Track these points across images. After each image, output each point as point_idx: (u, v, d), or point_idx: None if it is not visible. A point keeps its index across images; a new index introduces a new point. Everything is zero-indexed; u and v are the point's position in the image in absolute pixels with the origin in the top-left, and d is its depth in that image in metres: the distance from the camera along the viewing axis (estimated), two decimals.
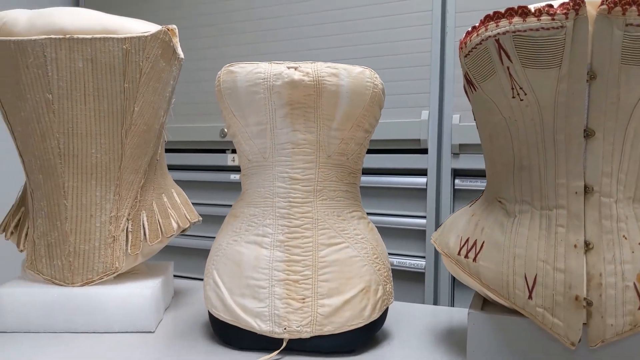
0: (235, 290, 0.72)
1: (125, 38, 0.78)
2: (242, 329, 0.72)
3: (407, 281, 1.57)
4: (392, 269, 1.55)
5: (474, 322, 0.68)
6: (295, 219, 0.72)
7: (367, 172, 1.61)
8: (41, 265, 0.83)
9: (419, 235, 1.56)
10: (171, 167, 1.85)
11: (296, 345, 0.71)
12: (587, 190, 0.60)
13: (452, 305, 1.51)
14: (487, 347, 0.67)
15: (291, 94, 0.71)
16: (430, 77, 1.52)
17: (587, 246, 0.59)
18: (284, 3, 1.73)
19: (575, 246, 0.60)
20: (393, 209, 1.60)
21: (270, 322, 0.70)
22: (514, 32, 0.58)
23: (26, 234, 0.86)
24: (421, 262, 1.53)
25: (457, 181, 1.51)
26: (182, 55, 0.88)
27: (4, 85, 0.79)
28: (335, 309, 0.70)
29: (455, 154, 1.50)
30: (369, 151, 1.59)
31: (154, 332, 0.82)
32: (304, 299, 0.70)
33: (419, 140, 1.53)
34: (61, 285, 0.82)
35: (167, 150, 1.86)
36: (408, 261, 1.54)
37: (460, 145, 1.48)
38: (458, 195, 1.52)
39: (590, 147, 0.60)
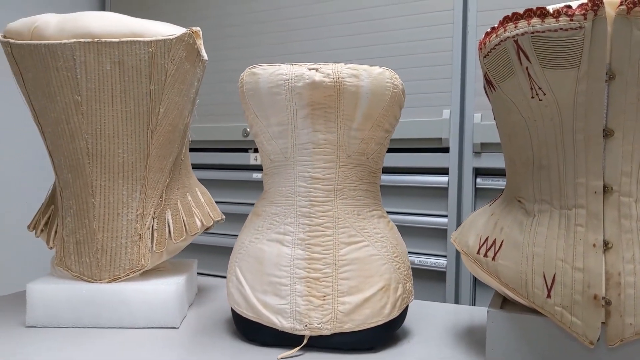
0: (257, 287, 0.74)
1: (151, 41, 0.80)
2: (264, 325, 0.73)
3: (428, 280, 1.57)
4: (413, 268, 1.56)
5: (493, 321, 0.68)
6: (316, 217, 0.74)
7: (388, 170, 1.61)
8: (70, 262, 0.85)
9: (441, 234, 1.56)
10: (195, 166, 1.87)
11: (317, 342, 0.73)
12: (606, 189, 0.60)
13: (474, 304, 1.51)
14: (506, 346, 0.67)
15: (312, 95, 0.72)
16: (452, 76, 1.52)
17: (606, 245, 0.60)
18: (306, 3, 1.74)
19: (594, 245, 0.60)
20: (414, 207, 1.60)
21: (292, 319, 0.72)
22: (533, 33, 0.59)
23: (55, 232, 0.88)
24: (442, 261, 1.53)
25: (478, 180, 1.51)
26: (206, 57, 0.90)
27: (35, 88, 0.82)
28: (355, 307, 0.71)
29: (476, 153, 1.49)
30: (391, 150, 1.60)
31: (178, 327, 0.84)
32: (324, 296, 0.71)
33: (440, 139, 1.53)
34: (89, 281, 0.84)
35: (192, 150, 1.89)
36: (429, 260, 1.55)
37: (482, 144, 1.47)
38: (480, 194, 1.52)
39: (609, 147, 0.60)
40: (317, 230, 0.73)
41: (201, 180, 1.05)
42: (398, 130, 1.55)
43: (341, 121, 0.74)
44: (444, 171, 1.55)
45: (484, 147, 1.48)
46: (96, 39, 0.78)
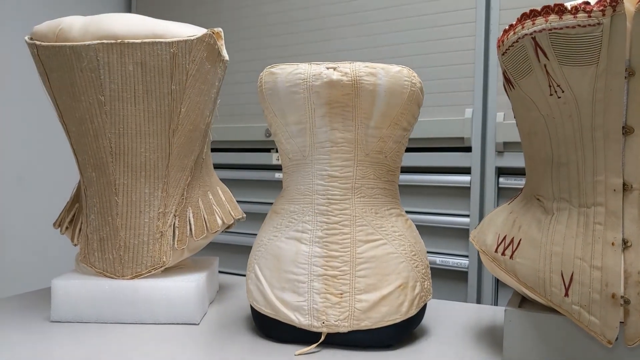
0: (276, 284, 0.75)
1: (172, 42, 0.81)
2: (281, 322, 0.74)
3: (450, 280, 1.56)
4: (435, 268, 1.55)
5: (511, 319, 0.68)
6: (333, 215, 0.74)
7: (410, 170, 1.61)
8: (94, 259, 0.87)
9: (463, 234, 1.55)
10: (217, 166, 1.90)
11: (334, 339, 0.73)
12: (625, 187, 0.60)
13: (496, 305, 1.49)
14: (524, 345, 0.67)
15: (330, 94, 0.73)
16: (474, 75, 1.51)
17: (625, 244, 0.59)
18: (328, 4, 1.75)
19: (612, 244, 0.59)
20: (436, 207, 1.60)
21: (309, 316, 0.72)
22: (550, 29, 0.58)
23: (80, 229, 0.90)
24: (464, 262, 1.52)
25: (501, 179, 1.50)
26: (227, 57, 0.91)
27: (60, 88, 0.84)
28: (373, 305, 0.72)
29: (499, 152, 1.48)
30: (413, 149, 1.59)
31: (198, 324, 0.85)
32: (342, 294, 0.72)
33: (462, 138, 1.53)
34: (112, 278, 0.86)
35: (214, 150, 1.91)
36: (451, 260, 1.54)
37: (505, 143, 1.46)
38: (502, 193, 1.51)
39: (629, 144, 0.59)
40: (334, 228, 0.74)
41: (224, 180, 1.07)
42: (420, 130, 1.55)
43: (359, 119, 0.74)
44: (466, 171, 1.54)
45: (507, 147, 1.47)
46: (119, 40, 0.80)
